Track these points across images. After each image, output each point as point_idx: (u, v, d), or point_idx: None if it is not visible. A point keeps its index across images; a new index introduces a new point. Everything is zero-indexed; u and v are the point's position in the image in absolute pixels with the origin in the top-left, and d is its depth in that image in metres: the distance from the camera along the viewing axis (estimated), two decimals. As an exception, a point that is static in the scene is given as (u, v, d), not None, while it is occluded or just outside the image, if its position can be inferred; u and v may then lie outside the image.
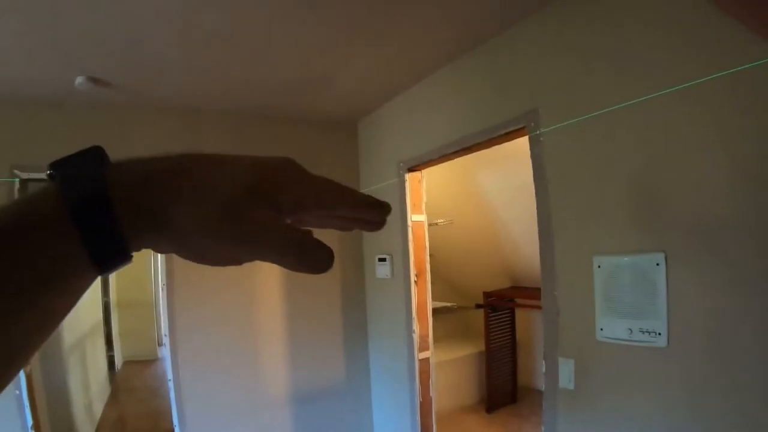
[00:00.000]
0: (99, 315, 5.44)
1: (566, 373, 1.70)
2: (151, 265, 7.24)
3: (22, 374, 2.39)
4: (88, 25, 1.76)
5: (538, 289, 3.94)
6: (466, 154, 2.27)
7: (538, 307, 3.87)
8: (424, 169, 2.61)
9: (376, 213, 0.35)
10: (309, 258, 0.30)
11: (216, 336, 2.74)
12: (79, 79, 2.18)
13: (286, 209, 0.30)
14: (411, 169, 2.59)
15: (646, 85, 1.41)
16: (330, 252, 0.30)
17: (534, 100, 1.81)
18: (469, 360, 4.33)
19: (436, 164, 2.50)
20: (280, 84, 2.42)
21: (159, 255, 8.68)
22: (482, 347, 4.24)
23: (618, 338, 1.53)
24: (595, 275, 1.58)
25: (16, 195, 2.44)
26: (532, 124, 1.80)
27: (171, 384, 2.67)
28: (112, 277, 6.33)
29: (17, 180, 2.47)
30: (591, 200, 1.62)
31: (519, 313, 4.32)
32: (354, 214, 0.36)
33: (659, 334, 1.40)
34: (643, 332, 1.45)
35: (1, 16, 1.65)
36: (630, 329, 1.48)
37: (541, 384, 4.27)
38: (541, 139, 1.77)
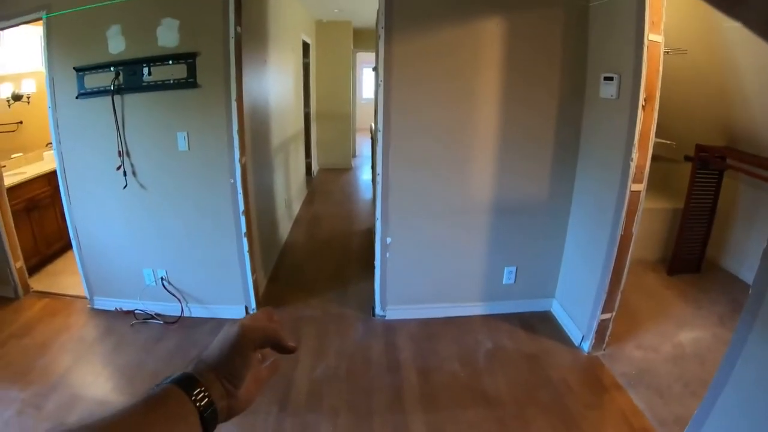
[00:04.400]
0: (301, 124, 5.95)
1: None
2: (350, 79, 7.68)
3: (237, 164, 2.77)
4: None
5: (756, 157, 3.46)
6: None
7: (755, 175, 3.43)
8: (667, -16, 2.19)
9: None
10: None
11: (428, 136, 2.82)
12: None
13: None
14: (653, -18, 2.18)
15: None
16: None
17: None
18: (662, 214, 4.06)
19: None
20: None
21: (362, 71, 10.49)
22: (678, 204, 3.91)
23: None
24: None
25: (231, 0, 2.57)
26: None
27: (379, 178, 2.86)
28: (312, 89, 6.93)
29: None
30: None
31: (726, 180, 3.82)
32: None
33: None
34: None
35: None
36: None
37: (729, 264, 3.97)
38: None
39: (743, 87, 3.31)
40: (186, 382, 0.45)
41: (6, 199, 3.35)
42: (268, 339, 0.53)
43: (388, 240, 2.97)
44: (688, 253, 3.89)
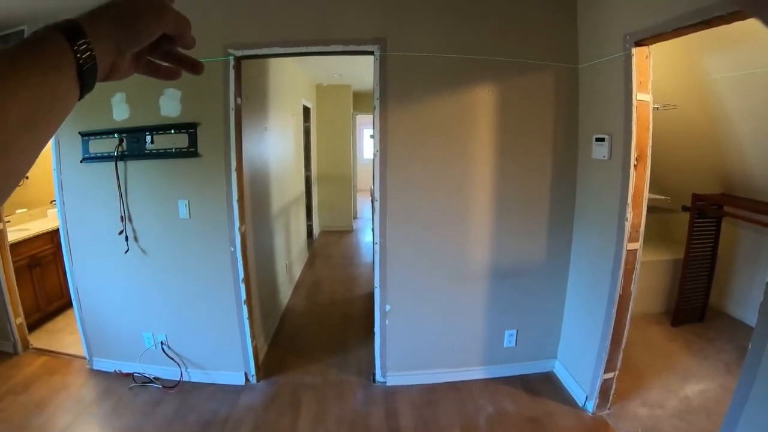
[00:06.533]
0: (302, 187, 6.07)
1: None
2: (350, 142, 7.83)
3: (237, 233, 2.79)
4: None
5: (753, 201, 3.49)
6: (705, 28, 1.88)
7: (752, 221, 3.45)
8: (652, 44, 2.28)
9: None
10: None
11: (425, 203, 2.85)
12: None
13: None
14: (638, 44, 2.28)
15: None
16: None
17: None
18: (663, 266, 4.07)
19: (669, 39, 2.15)
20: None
21: (362, 133, 10.65)
22: (678, 255, 3.93)
23: None
24: None
25: (231, 73, 2.65)
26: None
27: (376, 247, 2.87)
28: (313, 152, 7.06)
29: (231, 58, 2.65)
30: None
31: (725, 226, 3.84)
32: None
33: None
34: None
35: None
36: None
37: (733, 310, 3.95)
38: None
39: (735, 134, 3.37)
40: (71, 30, 0.39)
41: (9, 255, 3.39)
42: (178, 28, 0.48)
43: (387, 308, 2.96)
44: (692, 303, 3.88)
